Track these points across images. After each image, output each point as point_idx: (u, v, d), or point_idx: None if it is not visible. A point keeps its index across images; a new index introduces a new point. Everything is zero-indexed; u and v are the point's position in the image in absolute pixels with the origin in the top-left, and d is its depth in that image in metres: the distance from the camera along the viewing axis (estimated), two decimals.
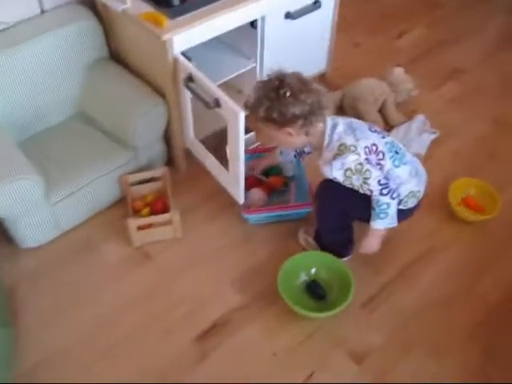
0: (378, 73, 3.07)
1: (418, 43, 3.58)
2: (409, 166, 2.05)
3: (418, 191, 2.10)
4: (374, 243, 2.13)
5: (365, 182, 1.95)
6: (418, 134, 2.83)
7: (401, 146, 2.09)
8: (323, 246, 2.29)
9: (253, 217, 2.42)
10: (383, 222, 2.04)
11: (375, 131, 2.03)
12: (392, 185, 1.98)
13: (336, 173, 1.96)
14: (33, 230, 2.26)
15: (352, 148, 1.91)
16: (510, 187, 2.67)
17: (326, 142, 1.97)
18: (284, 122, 1.86)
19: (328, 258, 2.22)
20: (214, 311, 2.17)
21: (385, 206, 1.99)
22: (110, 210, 2.50)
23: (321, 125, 1.95)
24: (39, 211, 2.21)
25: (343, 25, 3.10)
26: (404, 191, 2.05)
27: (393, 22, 3.75)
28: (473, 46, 3.60)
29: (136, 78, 2.44)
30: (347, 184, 1.99)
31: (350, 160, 1.92)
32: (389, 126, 2.93)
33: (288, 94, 1.81)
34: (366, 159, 1.93)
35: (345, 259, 2.30)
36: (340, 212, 2.13)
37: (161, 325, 2.14)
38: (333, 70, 3.16)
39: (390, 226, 2.06)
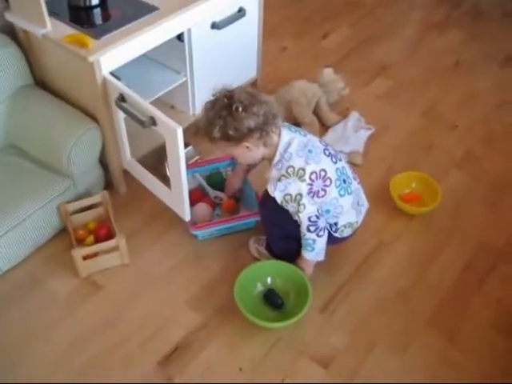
0: (307, 75, 3.09)
1: (343, 43, 3.64)
2: (352, 197, 2.11)
3: (356, 222, 2.17)
4: (306, 269, 2.18)
5: (297, 213, 1.99)
6: (354, 131, 2.87)
7: (350, 173, 2.12)
8: (275, 255, 2.27)
9: (201, 232, 2.37)
10: (310, 254, 2.11)
11: (329, 155, 2.04)
12: (321, 224, 2.02)
13: (277, 194, 1.98)
14: None
15: (300, 173, 1.93)
16: (447, 176, 2.74)
17: (276, 158, 1.97)
18: (241, 137, 1.86)
19: (282, 265, 2.20)
20: (173, 334, 2.11)
21: (310, 242, 2.06)
22: (51, 242, 2.39)
23: (276, 137, 1.95)
24: None
25: (269, 30, 3.12)
26: (342, 221, 2.11)
27: (316, 24, 3.80)
28: (396, 42, 3.71)
29: (65, 103, 2.35)
30: (284, 206, 2.00)
31: (293, 188, 1.94)
32: (324, 127, 2.95)
33: (240, 109, 1.81)
34: (310, 188, 1.95)
35: None
36: (283, 222, 2.11)
37: (121, 353, 2.06)
38: (263, 75, 3.16)
39: (317, 259, 2.14)
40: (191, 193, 2.47)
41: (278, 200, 1.98)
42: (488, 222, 2.55)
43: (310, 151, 1.97)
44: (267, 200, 2.07)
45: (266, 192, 2.10)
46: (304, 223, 2.00)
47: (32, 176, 2.30)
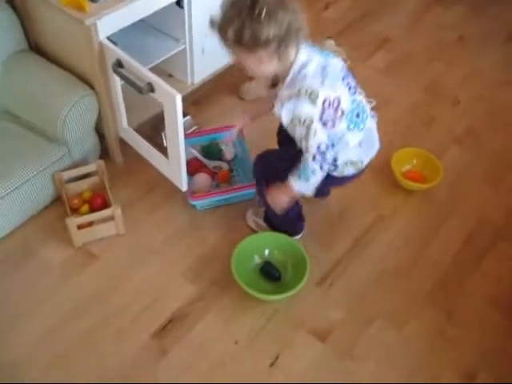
0: None
1: (344, 14, 3.56)
2: (362, 134, 1.92)
3: (360, 161, 1.98)
4: (282, 198, 1.95)
5: (305, 138, 1.77)
6: None
7: (367, 109, 1.95)
8: (273, 227, 2.23)
9: (200, 202, 2.33)
10: (299, 183, 1.87)
11: (347, 84, 1.85)
12: (329, 157, 1.81)
13: (284, 113, 1.78)
14: None
15: (312, 96, 1.70)
16: (447, 152, 2.71)
17: (289, 77, 1.77)
18: (255, 45, 1.63)
19: (280, 237, 2.17)
20: (168, 306, 2.09)
21: (309, 172, 1.83)
22: (46, 211, 2.35)
23: (293, 54, 1.73)
24: None
25: None
26: (342, 157, 1.92)
27: None
28: (398, 15, 3.63)
29: (60, 69, 2.29)
30: (289, 129, 1.83)
31: (303, 110, 1.73)
32: None
33: (263, 13, 1.58)
34: (321, 115, 1.73)
35: (297, 237, 2.25)
36: (281, 180, 1.93)
37: (115, 325, 2.04)
38: None
39: (304, 192, 1.90)
40: (190, 163, 2.43)
41: (285, 121, 1.79)
42: (488, 198, 2.53)
43: (327, 75, 1.75)
44: (260, 165, 2.00)
45: (257, 158, 2.05)
46: (311, 151, 1.78)
47: (26, 143, 2.25)
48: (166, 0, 2.27)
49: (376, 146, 2.03)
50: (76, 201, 2.32)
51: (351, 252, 2.28)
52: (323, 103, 1.72)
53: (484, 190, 2.56)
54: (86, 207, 2.30)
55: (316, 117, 1.72)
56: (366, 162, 2.01)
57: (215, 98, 2.87)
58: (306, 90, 1.71)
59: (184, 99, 1.98)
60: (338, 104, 1.77)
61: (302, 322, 2.06)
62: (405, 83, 3.08)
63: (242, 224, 2.33)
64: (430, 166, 2.53)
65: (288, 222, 2.20)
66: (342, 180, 2.03)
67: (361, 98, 1.92)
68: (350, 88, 1.85)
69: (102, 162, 2.36)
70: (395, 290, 2.18)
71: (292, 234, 2.22)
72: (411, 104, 2.96)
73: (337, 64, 1.85)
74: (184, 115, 2.54)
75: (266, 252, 2.17)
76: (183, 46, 2.52)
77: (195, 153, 2.50)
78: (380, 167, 2.55)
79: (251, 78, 2.86)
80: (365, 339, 2.03)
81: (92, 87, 2.22)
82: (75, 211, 2.29)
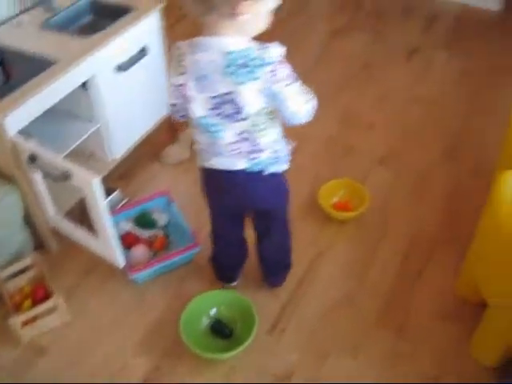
0: None
1: None
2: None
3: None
4: None
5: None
6: None
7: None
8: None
9: (140, 275, 2.34)
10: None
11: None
12: None
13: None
14: None
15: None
16: (371, 176, 2.83)
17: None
18: None
19: (224, 294, 2.21)
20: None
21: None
22: None
23: None
24: None
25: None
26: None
27: None
28: (303, 53, 3.76)
29: None
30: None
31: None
32: None
33: None
34: None
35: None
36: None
37: None
38: None
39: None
40: (125, 237, 2.46)
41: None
42: (417, 214, 2.63)
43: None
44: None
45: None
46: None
47: None
48: (72, 85, 2.32)
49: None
50: (18, 297, 2.29)
51: (296, 293, 2.32)
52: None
53: (412, 206, 2.66)
54: (28, 302, 2.27)
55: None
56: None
57: (141, 167, 2.91)
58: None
59: (109, 175, 2.02)
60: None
61: (262, 370, 2.08)
62: (320, 117, 3.13)
63: (186, 288, 2.35)
64: (357, 193, 2.62)
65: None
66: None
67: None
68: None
69: (36, 255, 2.35)
70: (343, 319, 2.23)
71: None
72: (328, 136, 3.07)
73: None
74: (112, 191, 2.59)
75: (213, 311, 2.19)
76: (97, 125, 2.56)
77: (128, 226, 2.52)
78: (310, 204, 2.63)
79: (172, 141, 2.93)
80: (325, 373, 2.07)
81: (13, 184, 2.23)
82: (18, 308, 2.27)
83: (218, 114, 1.64)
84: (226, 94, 1.58)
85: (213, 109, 1.64)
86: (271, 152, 1.77)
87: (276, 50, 1.56)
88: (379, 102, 3.30)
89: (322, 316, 2.24)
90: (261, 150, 1.74)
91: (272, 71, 1.55)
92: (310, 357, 2.12)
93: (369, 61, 3.66)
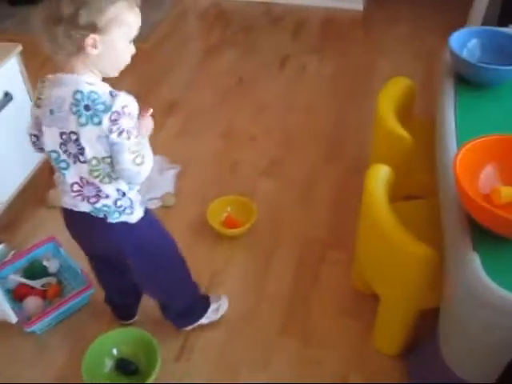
0: None
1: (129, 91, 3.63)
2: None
3: None
4: None
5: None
6: (160, 173, 2.90)
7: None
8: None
9: (37, 327, 2.27)
10: None
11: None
12: None
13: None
14: None
15: None
16: (258, 188, 2.88)
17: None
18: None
19: (122, 331, 2.18)
20: None
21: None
22: None
23: None
24: None
25: None
26: None
27: None
28: (179, 76, 3.79)
29: None
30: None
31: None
32: None
33: None
34: None
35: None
36: None
37: None
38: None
39: None
40: (16, 290, 2.38)
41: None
42: (306, 218, 2.71)
43: None
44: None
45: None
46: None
47: None
48: None
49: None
50: None
51: None
52: None
53: (300, 213, 2.74)
54: None
55: None
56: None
57: (25, 215, 2.82)
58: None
59: None
60: None
61: None
62: (202, 137, 3.23)
63: (87, 331, 2.29)
64: (245, 207, 2.67)
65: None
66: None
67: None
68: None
69: None
70: (250, 334, 2.25)
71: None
72: (212, 154, 3.11)
73: None
74: None
75: (115, 351, 2.15)
76: None
77: (18, 278, 2.44)
78: (201, 225, 2.65)
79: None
80: None
81: None
82: None
83: (65, 151, 1.59)
84: (72, 132, 1.54)
85: (61, 144, 1.59)
86: (114, 201, 1.69)
87: (123, 99, 1.51)
88: (258, 114, 3.37)
89: (228, 333, 2.26)
90: (101, 197, 1.67)
91: (113, 120, 1.49)
92: (222, 375, 2.13)
93: (243, 74, 3.74)
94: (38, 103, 1.61)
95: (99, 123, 1.50)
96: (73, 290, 2.39)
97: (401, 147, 2.10)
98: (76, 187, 1.66)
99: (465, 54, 2.19)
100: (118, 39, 1.52)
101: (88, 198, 1.68)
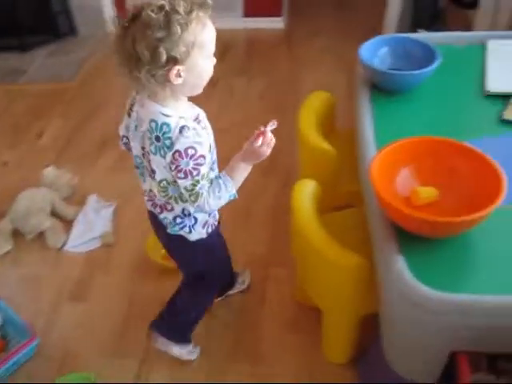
0: (33, 181, 3.04)
1: (60, 134, 3.60)
2: None
3: None
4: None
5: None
6: (97, 213, 2.87)
7: None
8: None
9: None
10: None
11: None
12: None
13: None
14: None
15: None
16: None
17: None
18: None
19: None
20: None
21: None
22: None
23: None
24: None
25: None
26: None
27: (27, 128, 3.69)
28: (110, 111, 3.77)
29: None
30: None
31: None
32: (68, 222, 2.89)
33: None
34: None
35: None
36: None
37: None
38: None
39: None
40: None
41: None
42: (247, 235, 2.76)
43: None
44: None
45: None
46: None
47: None
48: None
49: None
50: None
51: (149, 355, 2.30)
52: None
53: (241, 229, 2.78)
54: None
55: None
56: None
57: None
58: None
59: None
60: None
61: None
62: (130, 172, 3.16)
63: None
64: None
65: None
66: None
67: None
68: None
69: None
70: (199, 364, 2.24)
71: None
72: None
73: None
74: None
75: None
76: None
77: None
78: (143, 259, 2.63)
79: None
80: None
81: None
82: None
83: (141, 163, 1.71)
84: (147, 152, 1.61)
85: (142, 155, 1.68)
86: (174, 217, 1.78)
87: (189, 140, 1.53)
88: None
89: (176, 367, 2.24)
90: (167, 209, 1.78)
91: (174, 159, 1.54)
92: None
93: None
94: (129, 112, 1.69)
95: (164, 156, 1.56)
96: (17, 343, 2.34)
97: (325, 160, 2.15)
98: (149, 194, 1.79)
99: (376, 63, 2.26)
100: (198, 60, 1.51)
101: (155, 206, 1.80)
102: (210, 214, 1.85)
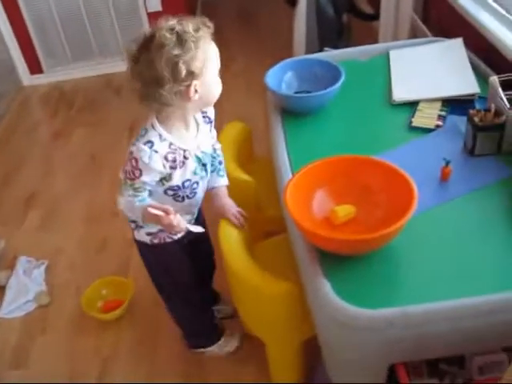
0: None
1: None
2: None
3: None
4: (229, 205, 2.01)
5: None
6: (29, 275, 2.77)
7: None
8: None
9: None
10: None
11: None
12: None
13: None
14: None
15: None
16: (131, 261, 2.79)
17: None
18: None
19: None
20: None
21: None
22: None
23: None
24: None
25: None
26: None
27: None
28: (32, 166, 3.70)
29: None
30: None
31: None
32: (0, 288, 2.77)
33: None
34: None
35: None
36: None
37: None
38: None
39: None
40: None
41: None
42: None
43: None
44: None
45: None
46: None
47: None
48: None
49: None
50: None
51: None
52: None
53: None
54: None
55: None
56: None
57: None
58: None
59: None
60: None
61: None
62: (65, 225, 3.13)
63: None
64: (121, 285, 2.61)
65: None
66: None
67: None
68: None
69: None
70: None
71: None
72: (79, 241, 3.02)
73: None
74: None
75: None
76: None
77: None
78: (80, 315, 2.56)
79: None
80: None
81: None
82: None
83: None
84: None
85: None
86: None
87: (138, 147, 1.62)
88: (116, 187, 3.31)
89: None
90: None
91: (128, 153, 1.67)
92: None
93: (95, 151, 3.70)
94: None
95: None
96: None
97: (246, 190, 2.15)
98: None
99: (284, 88, 2.29)
100: (211, 76, 1.61)
101: None
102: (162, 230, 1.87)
